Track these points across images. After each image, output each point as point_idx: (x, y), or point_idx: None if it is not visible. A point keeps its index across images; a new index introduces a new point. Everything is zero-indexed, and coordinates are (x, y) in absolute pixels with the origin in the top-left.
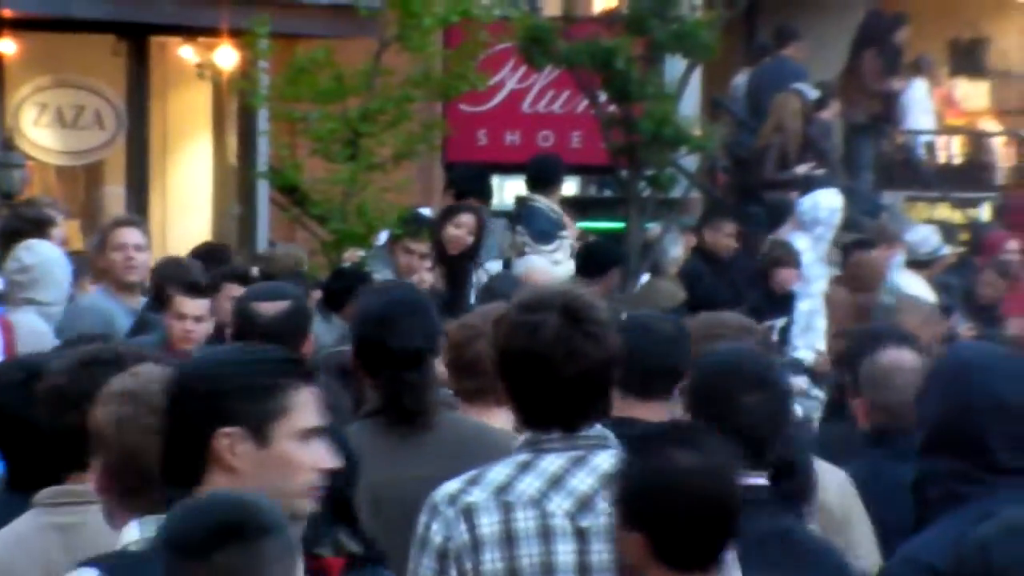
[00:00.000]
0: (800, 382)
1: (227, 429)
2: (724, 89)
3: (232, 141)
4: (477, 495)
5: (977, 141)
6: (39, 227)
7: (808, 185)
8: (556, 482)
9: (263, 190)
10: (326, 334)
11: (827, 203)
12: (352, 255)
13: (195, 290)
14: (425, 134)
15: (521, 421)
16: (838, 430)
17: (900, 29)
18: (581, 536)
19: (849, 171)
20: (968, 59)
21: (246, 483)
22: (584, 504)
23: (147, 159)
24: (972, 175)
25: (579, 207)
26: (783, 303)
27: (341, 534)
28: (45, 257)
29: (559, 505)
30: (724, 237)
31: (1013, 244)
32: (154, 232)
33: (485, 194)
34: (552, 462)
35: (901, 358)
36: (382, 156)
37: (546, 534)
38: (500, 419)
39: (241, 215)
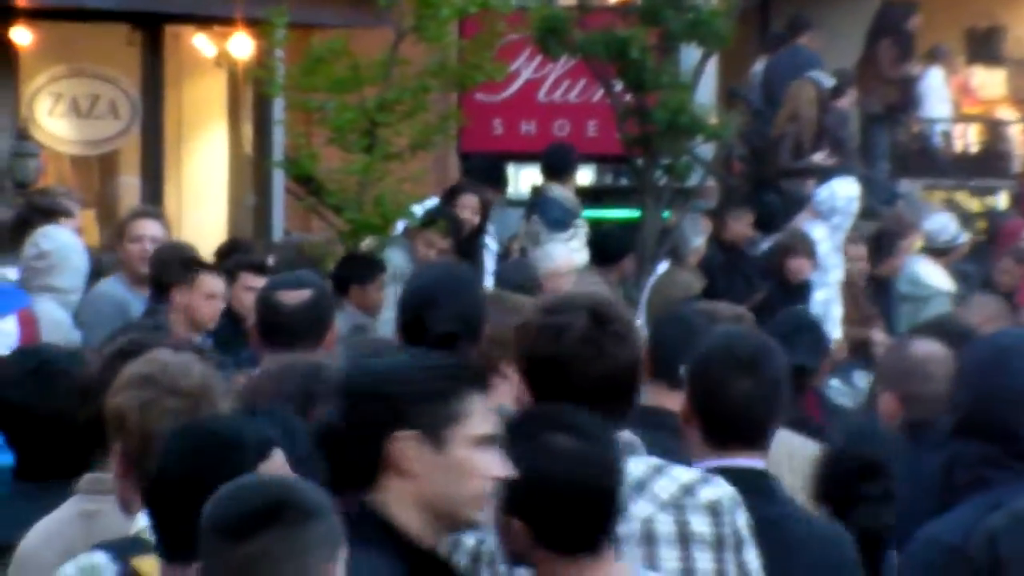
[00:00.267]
0: None
1: (403, 432)
2: (740, 78)
3: (247, 131)
4: None
5: (994, 129)
6: (53, 217)
7: (825, 174)
8: None
9: (278, 180)
10: (341, 323)
11: (844, 192)
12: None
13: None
14: (442, 124)
15: None
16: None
17: (912, 16)
18: None
19: (865, 160)
20: (984, 47)
21: (420, 487)
22: None
23: (162, 149)
24: (989, 163)
25: (595, 196)
26: (799, 293)
27: None
28: (62, 243)
29: None
30: (742, 226)
31: None
32: (169, 221)
33: (500, 183)
34: None
35: (933, 349)
36: (399, 146)
37: None
38: (503, 394)
39: (256, 205)
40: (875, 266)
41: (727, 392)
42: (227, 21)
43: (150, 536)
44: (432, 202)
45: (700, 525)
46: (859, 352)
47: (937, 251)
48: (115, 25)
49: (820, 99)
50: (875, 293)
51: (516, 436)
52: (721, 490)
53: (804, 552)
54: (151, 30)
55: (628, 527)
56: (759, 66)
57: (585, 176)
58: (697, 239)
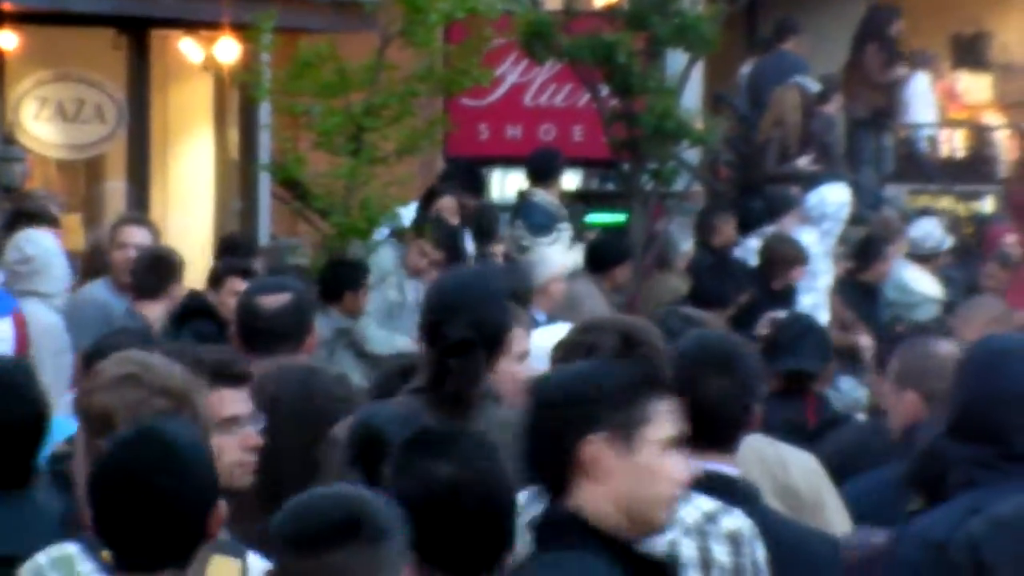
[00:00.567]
0: None
1: (595, 435)
2: (726, 83)
3: (233, 135)
4: None
5: (980, 134)
6: (41, 222)
7: (812, 181)
8: None
9: (265, 184)
10: (323, 327)
11: (834, 198)
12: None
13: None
14: (428, 129)
15: None
16: None
17: (895, 21)
18: None
19: (851, 165)
20: (970, 53)
21: (612, 490)
22: None
23: (148, 153)
24: (975, 168)
25: (581, 201)
26: (784, 297)
27: None
28: (46, 248)
29: None
30: (729, 230)
31: (1012, 237)
32: (157, 227)
33: (477, 188)
34: None
35: (952, 348)
36: (385, 150)
37: None
38: None
39: (242, 209)
40: (862, 272)
41: (698, 391)
42: (213, 25)
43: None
44: (412, 207)
45: (721, 554)
46: (845, 358)
47: (922, 257)
48: (101, 29)
49: (805, 104)
50: (862, 299)
51: (397, 464)
52: (741, 521)
53: (796, 558)
54: (137, 34)
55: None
56: (746, 69)
57: (571, 181)
58: (685, 244)
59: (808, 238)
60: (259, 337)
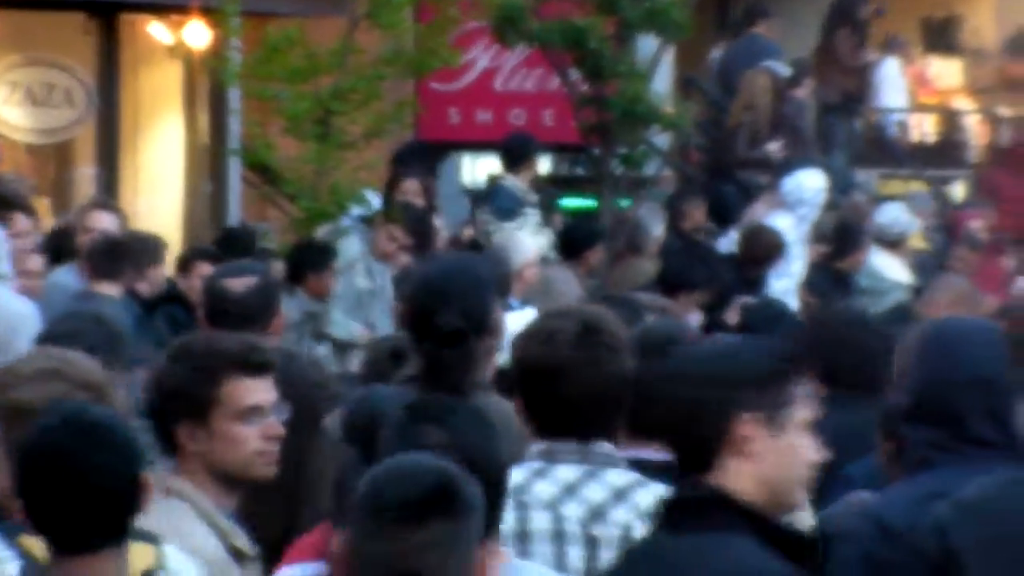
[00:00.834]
0: None
1: (747, 415)
2: (697, 67)
3: (203, 119)
4: None
5: (950, 119)
6: (14, 207)
7: (783, 166)
8: (570, 490)
9: (235, 168)
10: (291, 309)
11: (811, 183)
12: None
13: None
14: (396, 113)
15: (535, 430)
16: None
17: (865, 5)
18: (592, 543)
19: (822, 149)
20: (941, 37)
21: (759, 469)
22: (597, 513)
23: (118, 137)
24: (945, 153)
25: (552, 185)
26: (755, 283)
27: None
28: None
29: (573, 511)
30: (700, 215)
31: (978, 223)
32: (124, 210)
33: (430, 170)
34: (566, 472)
35: None
36: (353, 135)
37: (559, 537)
38: None
39: (212, 193)
40: (837, 259)
41: (640, 382)
42: (183, 9)
43: None
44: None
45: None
46: None
47: (890, 243)
48: (71, 14)
49: (776, 88)
50: (835, 286)
51: (393, 431)
52: (658, 493)
53: None
54: (106, 18)
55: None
56: (716, 53)
57: (542, 166)
58: (656, 229)
59: (783, 223)
60: (226, 319)
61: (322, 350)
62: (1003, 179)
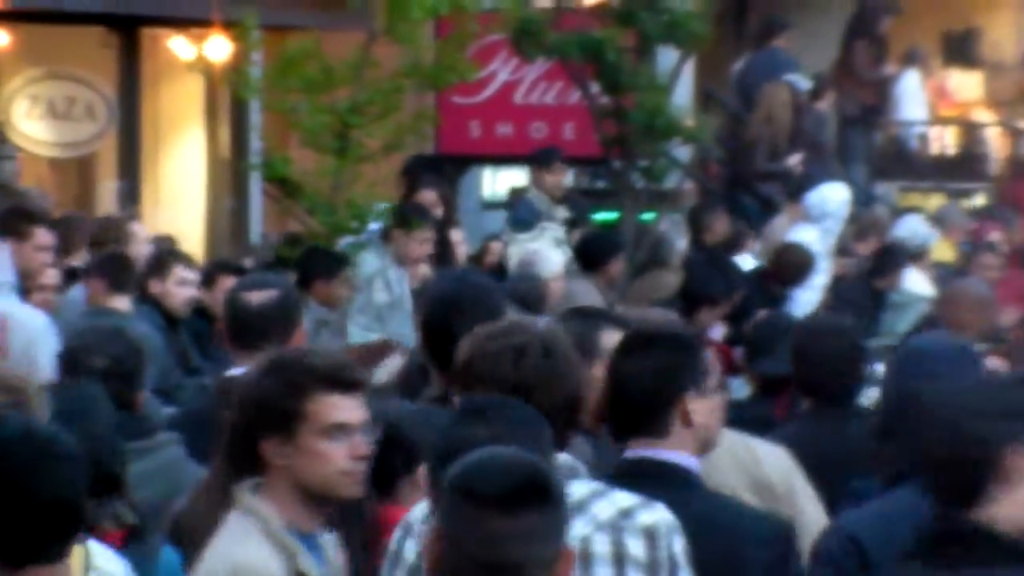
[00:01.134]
0: None
1: (1020, 447)
2: (716, 80)
3: (224, 133)
4: None
5: (970, 132)
6: (38, 221)
7: (804, 180)
8: None
9: (256, 182)
10: (304, 319)
11: (835, 196)
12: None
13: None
14: (414, 125)
15: None
16: None
17: (885, 18)
18: None
19: (842, 162)
20: (961, 50)
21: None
22: None
23: (139, 151)
24: (965, 165)
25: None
26: (778, 298)
27: (117, 506)
28: None
29: None
30: (722, 227)
31: (996, 234)
32: (146, 223)
33: (444, 181)
34: None
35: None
36: (371, 148)
37: None
38: None
39: (234, 207)
40: (877, 278)
41: (618, 376)
42: (203, 23)
43: None
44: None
45: (636, 548)
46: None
47: (911, 256)
48: (91, 28)
49: (795, 102)
50: (872, 302)
51: (449, 426)
52: (659, 515)
53: (742, 538)
54: (127, 32)
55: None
56: (738, 66)
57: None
58: (680, 241)
59: (808, 236)
60: (246, 333)
61: None
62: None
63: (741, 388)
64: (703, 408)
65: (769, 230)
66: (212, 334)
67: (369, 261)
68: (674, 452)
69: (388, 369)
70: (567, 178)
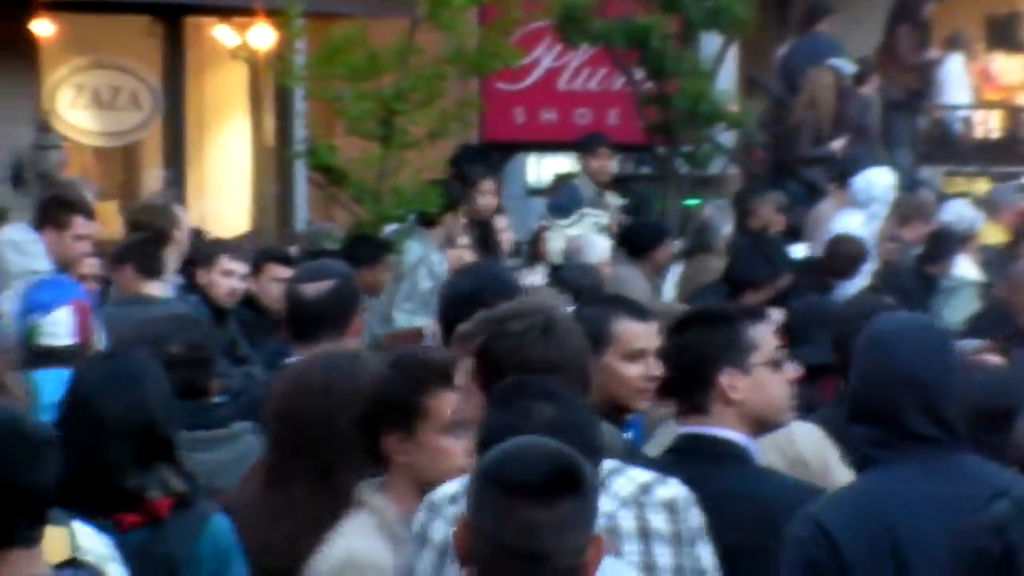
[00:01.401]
0: None
1: None
2: (760, 65)
3: (269, 121)
4: None
5: (1015, 115)
6: (76, 211)
7: (849, 165)
8: None
9: (301, 169)
10: None
11: (881, 181)
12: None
13: None
14: (458, 112)
15: None
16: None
17: (928, 3)
18: None
19: (887, 147)
20: (1004, 34)
21: None
22: None
23: (184, 139)
24: (1010, 149)
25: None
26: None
27: (166, 474)
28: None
29: None
30: (768, 211)
31: None
32: (192, 212)
33: (492, 170)
34: None
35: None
36: (416, 135)
37: None
38: None
39: (279, 195)
40: (930, 264)
41: (664, 356)
42: (247, 12)
43: None
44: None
45: (659, 522)
46: None
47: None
48: (136, 16)
49: (838, 86)
50: (925, 288)
51: (499, 404)
52: (675, 489)
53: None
54: (171, 21)
55: None
56: (782, 51)
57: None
58: (726, 227)
59: (853, 221)
60: (301, 324)
61: None
62: None
63: None
64: (744, 385)
65: (815, 215)
66: (260, 323)
67: (412, 248)
68: (720, 428)
69: None
70: (613, 164)
